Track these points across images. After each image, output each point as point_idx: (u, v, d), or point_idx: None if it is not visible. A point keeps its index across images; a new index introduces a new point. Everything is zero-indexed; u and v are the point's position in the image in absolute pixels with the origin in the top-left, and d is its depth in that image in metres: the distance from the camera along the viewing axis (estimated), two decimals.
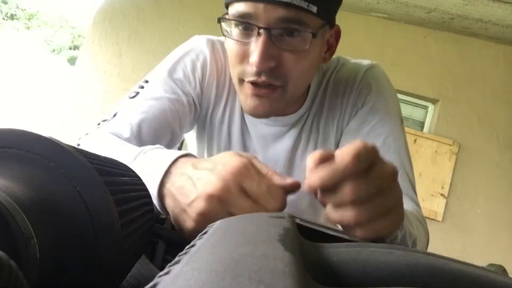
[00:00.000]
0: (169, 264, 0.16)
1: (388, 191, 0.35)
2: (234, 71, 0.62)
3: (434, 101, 2.89)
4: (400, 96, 2.93)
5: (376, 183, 0.33)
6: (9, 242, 0.18)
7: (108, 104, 2.97)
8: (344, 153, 0.32)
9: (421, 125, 2.95)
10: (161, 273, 0.14)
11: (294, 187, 0.39)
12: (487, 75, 2.80)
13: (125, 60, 3.02)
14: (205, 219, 0.38)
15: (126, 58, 3.02)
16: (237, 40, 0.58)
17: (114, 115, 0.64)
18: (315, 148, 0.73)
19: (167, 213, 0.43)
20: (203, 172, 0.39)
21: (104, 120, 0.64)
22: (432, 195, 2.68)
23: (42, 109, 6.04)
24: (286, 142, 0.74)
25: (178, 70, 0.69)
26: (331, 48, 0.67)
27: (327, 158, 0.33)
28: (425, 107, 2.96)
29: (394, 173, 0.35)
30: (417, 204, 0.67)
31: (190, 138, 0.83)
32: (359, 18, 2.88)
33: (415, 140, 2.74)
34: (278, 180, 0.39)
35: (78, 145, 0.58)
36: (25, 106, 6.44)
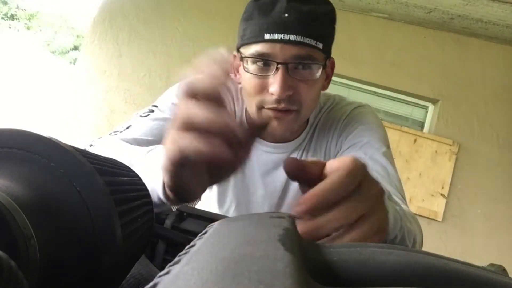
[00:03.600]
0: (169, 264, 0.16)
1: (376, 210, 0.34)
2: (252, 101, 0.70)
3: (434, 101, 2.89)
4: (400, 96, 2.94)
5: (366, 203, 0.33)
6: (9, 242, 0.18)
7: (108, 104, 2.97)
8: (336, 173, 0.32)
9: (421, 125, 2.94)
10: (161, 273, 0.14)
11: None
12: (487, 75, 2.80)
13: (125, 60, 3.01)
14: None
15: (126, 58, 3.01)
16: (256, 75, 0.67)
17: (127, 128, 0.69)
18: None
19: (169, 201, 0.44)
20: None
21: (116, 131, 0.68)
22: (432, 195, 2.68)
23: (42, 109, 6.04)
24: None
25: None
26: (328, 77, 0.77)
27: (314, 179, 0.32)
28: (425, 107, 2.95)
29: (381, 193, 0.35)
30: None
31: None
32: (359, 18, 2.87)
33: (415, 140, 2.74)
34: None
35: (90, 145, 0.62)
36: (25, 106, 6.44)
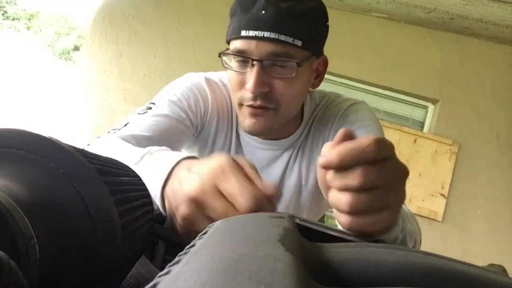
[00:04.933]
0: (169, 264, 0.16)
1: (394, 188, 0.35)
2: (235, 97, 0.72)
3: (434, 101, 2.89)
4: (400, 96, 2.93)
5: (385, 176, 0.34)
6: (9, 242, 0.17)
7: (108, 104, 2.97)
8: (365, 139, 0.33)
9: (421, 125, 2.94)
10: (161, 273, 0.14)
11: (275, 195, 0.39)
12: (487, 75, 2.80)
13: (125, 60, 3.01)
14: (187, 224, 0.39)
15: (126, 58, 3.01)
16: (236, 71, 0.69)
17: (125, 125, 0.68)
18: (300, 170, 0.82)
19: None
20: (191, 175, 0.40)
21: (114, 129, 0.68)
22: (432, 195, 2.68)
23: (42, 109, 6.03)
24: (279, 165, 0.82)
25: (182, 100, 0.76)
26: (320, 75, 0.76)
27: (348, 137, 0.34)
28: (425, 107, 2.95)
29: (405, 173, 0.36)
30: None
31: None
32: (359, 18, 2.87)
33: (415, 140, 2.74)
34: (259, 184, 0.39)
35: (88, 144, 0.61)
36: (25, 106, 6.44)
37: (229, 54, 0.68)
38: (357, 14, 2.88)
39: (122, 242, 0.24)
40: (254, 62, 0.65)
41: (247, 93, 0.67)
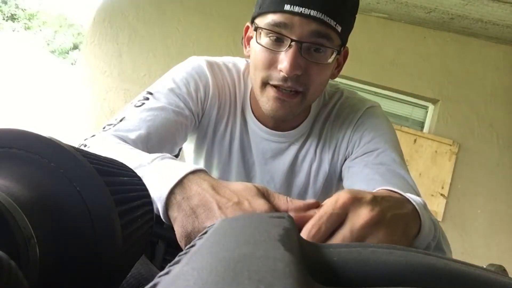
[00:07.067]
0: (169, 264, 0.16)
1: (368, 236, 0.37)
2: (258, 75, 0.67)
3: (434, 101, 2.89)
4: (400, 96, 2.94)
5: (350, 233, 0.36)
6: (9, 242, 0.17)
7: (108, 104, 2.97)
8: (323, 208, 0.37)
9: (421, 125, 2.94)
10: (161, 273, 0.14)
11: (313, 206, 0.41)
12: (487, 75, 2.80)
13: (125, 60, 3.01)
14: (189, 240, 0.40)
15: (126, 58, 3.01)
16: (267, 48, 0.64)
17: (121, 120, 0.65)
18: (309, 171, 0.80)
19: (168, 221, 0.43)
20: (229, 203, 0.41)
21: (110, 124, 0.65)
22: (432, 195, 2.68)
23: (42, 109, 6.03)
24: (285, 159, 0.79)
25: (181, 86, 0.73)
26: (339, 66, 0.75)
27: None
28: (425, 107, 2.95)
29: (372, 220, 0.36)
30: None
31: (187, 149, 0.86)
32: (359, 18, 2.85)
33: (415, 140, 2.74)
34: (300, 204, 0.41)
35: (85, 145, 0.58)
36: (25, 106, 6.44)
37: (267, 29, 0.63)
38: (357, 14, 2.88)
39: (122, 242, 0.24)
40: (292, 43, 0.61)
41: (277, 73, 0.64)
